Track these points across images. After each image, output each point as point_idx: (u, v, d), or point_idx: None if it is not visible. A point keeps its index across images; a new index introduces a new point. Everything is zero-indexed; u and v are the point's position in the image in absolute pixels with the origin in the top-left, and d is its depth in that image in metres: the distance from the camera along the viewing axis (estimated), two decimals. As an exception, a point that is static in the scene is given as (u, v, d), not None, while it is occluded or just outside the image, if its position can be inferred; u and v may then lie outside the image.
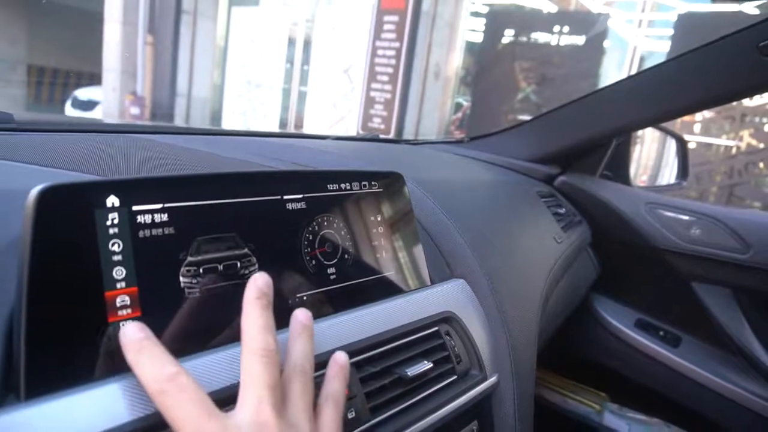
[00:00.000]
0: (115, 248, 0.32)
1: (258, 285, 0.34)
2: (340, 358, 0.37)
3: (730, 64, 0.90)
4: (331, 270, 0.44)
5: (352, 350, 0.42)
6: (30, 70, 6.76)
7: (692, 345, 1.17)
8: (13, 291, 0.30)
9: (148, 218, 0.34)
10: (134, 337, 0.29)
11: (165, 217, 0.35)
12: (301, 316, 0.36)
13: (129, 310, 0.32)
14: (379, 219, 0.49)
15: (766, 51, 0.82)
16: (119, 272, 0.32)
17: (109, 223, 0.32)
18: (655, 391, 1.19)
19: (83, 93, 6.50)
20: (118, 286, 0.32)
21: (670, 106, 1.02)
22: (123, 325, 0.31)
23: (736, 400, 1.08)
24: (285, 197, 0.42)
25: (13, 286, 0.30)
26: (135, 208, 0.33)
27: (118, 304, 0.32)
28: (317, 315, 0.42)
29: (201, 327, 0.35)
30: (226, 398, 0.32)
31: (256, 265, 0.39)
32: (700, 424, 1.15)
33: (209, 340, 0.35)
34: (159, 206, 0.35)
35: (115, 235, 0.32)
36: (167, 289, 0.34)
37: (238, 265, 0.38)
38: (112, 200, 0.33)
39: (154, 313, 0.33)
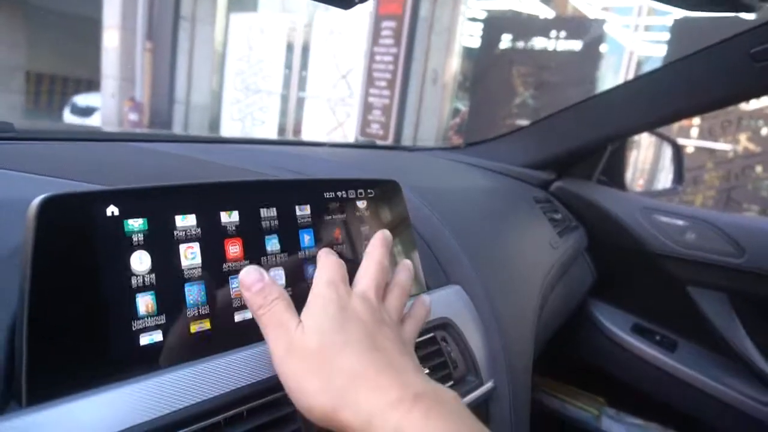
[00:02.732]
0: (127, 257, 0.33)
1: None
2: (408, 263, 0.45)
3: (723, 70, 0.91)
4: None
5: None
6: (28, 77, 6.77)
7: (689, 349, 1.18)
8: (14, 299, 0.31)
9: (152, 227, 0.35)
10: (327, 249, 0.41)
11: (167, 225, 0.35)
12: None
13: (147, 320, 0.33)
14: (375, 226, 0.49)
15: (758, 57, 0.83)
16: (134, 280, 0.33)
17: (117, 231, 0.33)
18: (652, 395, 1.19)
19: (82, 99, 6.51)
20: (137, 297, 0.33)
21: (665, 112, 1.03)
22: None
23: (733, 404, 1.08)
24: (282, 206, 0.42)
25: (14, 295, 0.31)
26: (138, 216, 0.34)
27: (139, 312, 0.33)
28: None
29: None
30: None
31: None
32: (697, 429, 1.15)
33: (220, 345, 0.36)
34: (161, 215, 0.35)
35: (124, 244, 0.33)
36: (177, 295, 0.35)
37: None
38: (113, 209, 0.33)
39: (170, 319, 0.34)
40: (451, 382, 0.51)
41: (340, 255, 0.46)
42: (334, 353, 0.32)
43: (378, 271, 0.40)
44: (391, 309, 0.39)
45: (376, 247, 0.42)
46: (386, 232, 0.44)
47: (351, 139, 5.47)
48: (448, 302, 0.56)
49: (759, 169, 4.58)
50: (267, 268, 0.40)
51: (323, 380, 0.31)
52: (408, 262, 0.45)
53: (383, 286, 0.40)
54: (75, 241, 0.31)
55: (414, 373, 0.33)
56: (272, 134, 6.38)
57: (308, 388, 0.32)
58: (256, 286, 0.35)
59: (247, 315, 0.38)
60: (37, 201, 0.30)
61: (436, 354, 0.50)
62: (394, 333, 0.36)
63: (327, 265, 0.38)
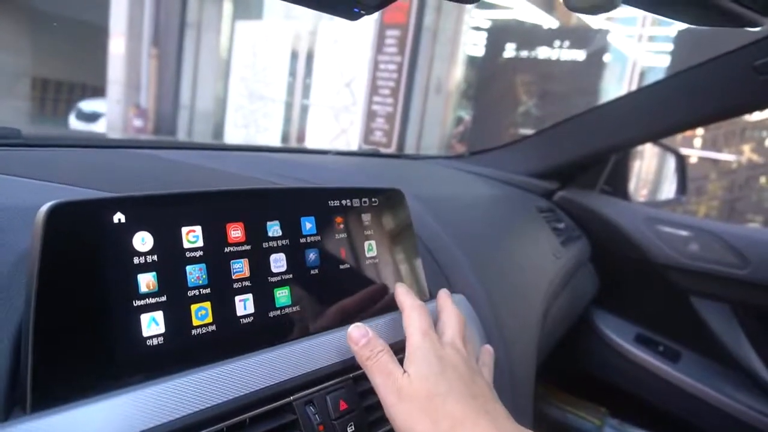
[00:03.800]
0: (133, 261, 0.34)
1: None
2: (490, 348, 0.51)
3: (726, 83, 0.91)
4: (332, 284, 0.45)
5: (351, 364, 0.42)
6: (34, 83, 6.81)
7: (692, 360, 1.17)
8: (21, 306, 0.31)
9: (159, 239, 0.35)
10: (403, 285, 0.47)
11: (174, 237, 0.36)
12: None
13: (155, 323, 0.34)
14: (379, 235, 0.50)
15: (762, 70, 0.84)
16: (142, 285, 0.34)
17: (123, 239, 0.33)
18: (655, 405, 1.19)
19: (87, 105, 6.54)
20: (145, 300, 0.34)
21: (668, 123, 1.03)
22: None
23: (736, 415, 1.08)
24: (287, 215, 0.43)
25: (21, 301, 0.31)
26: (144, 225, 0.34)
27: (143, 312, 0.33)
28: (319, 329, 0.43)
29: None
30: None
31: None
32: (700, 440, 1.14)
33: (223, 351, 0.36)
34: (167, 224, 0.35)
35: (130, 252, 0.33)
36: (184, 309, 0.35)
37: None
38: (119, 216, 0.33)
39: (174, 322, 0.35)
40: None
41: (342, 264, 0.46)
42: (440, 400, 0.37)
43: (459, 322, 0.45)
44: (472, 355, 0.45)
45: (446, 300, 0.47)
46: (445, 291, 0.49)
47: (354, 147, 5.48)
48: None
49: (763, 179, 4.57)
50: (269, 254, 0.41)
51: (432, 423, 0.36)
52: (487, 347, 0.50)
53: (463, 330, 0.45)
54: (82, 248, 0.32)
55: (505, 418, 0.38)
56: (276, 141, 6.40)
57: (418, 429, 0.36)
58: (363, 341, 0.40)
59: (249, 306, 0.39)
60: (45, 208, 0.30)
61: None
62: (483, 380, 0.41)
63: (416, 314, 0.43)
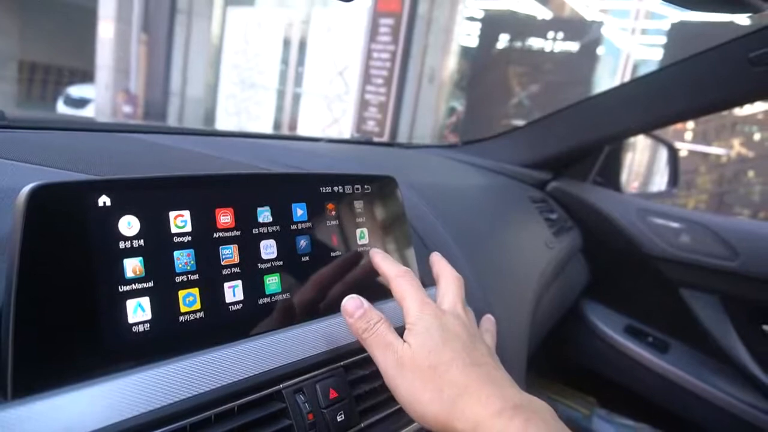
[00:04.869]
0: (119, 246, 0.33)
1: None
2: (491, 317, 0.50)
3: (721, 74, 0.91)
4: (323, 273, 0.44)
5: (342, 353, 0.42)
6: (21, 67, 6.70)
7: (681, 351, 1.18)
8: (1, 289, 0.30)
9: (145, 223, 0.34)
10: (379, 251, 0.45)
11: (161, 221, 0.35)
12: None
13: (141, 309, 0.33)
14: (371, 222, 0.49)
15: (756, 61, 0.83)
16: (128, 270, 0.33)
17: (108, 222, 0.32)
18: (644, 396, 1.20)
19: (76, 90, 6.46)
20: (131, 285, 0.33)
21: (662, 115, 1.03)
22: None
23: (723, 406, 1.09)
24: (278, 201, 0.42)
25: (1, 285, 0.30)
26: (130, 207, 0.33)
27: (129, 298, 0.33)
28: (310, 317, 0.42)
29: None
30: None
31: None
32: (687, 430, 1.16)
33: (210, 338, 0.35)
34: (153, 208, 0.35)
35: (115, 235, 0.33)
36: (170, 293, 0.35)
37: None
38: (104, 199, 0.32)
39: (161, 308, 0.34)
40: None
41: (334, 251, 0.45)
42: (443, 369, 0.36)
43: (458, 286, 0.44)
44: (473, 321, 0.44)
45: (443, 264, 0.46)
46: (438, 254, 0.48)
47: (347, 136, 5.46)
48: (442, 300, 0.55)
49: (751, 173, 4.61)
50: (259, 240, 0.40)
51: (435, 392, 0.36)
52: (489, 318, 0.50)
53: (463, 297, 0.44)
54: (65, 231, 0.31)
55: (510, 386, 0.37)
56: (267, 129, 6.35)
57: (422, 399, 0.36)
58: (358, 312, 0.39)
59: (238, 293, 0.38)
60: (26, 189, 0.29)
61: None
62: (485, 346, 0.41)
63: (406, 283, 0.41)
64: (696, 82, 0.95)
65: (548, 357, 1.22)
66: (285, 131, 6.26)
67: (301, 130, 6.08)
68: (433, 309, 0.40)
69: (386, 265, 0.43)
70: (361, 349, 0.43)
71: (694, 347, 1.17)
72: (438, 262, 0.47)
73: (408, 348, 0.38)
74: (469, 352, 0.38)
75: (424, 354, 0.37)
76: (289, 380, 0.38)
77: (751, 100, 0.99)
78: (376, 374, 0.43)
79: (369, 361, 0.44)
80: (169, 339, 0.34)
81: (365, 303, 0.40)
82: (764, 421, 1.04)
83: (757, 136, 4.64)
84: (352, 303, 0.40)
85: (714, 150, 4.68)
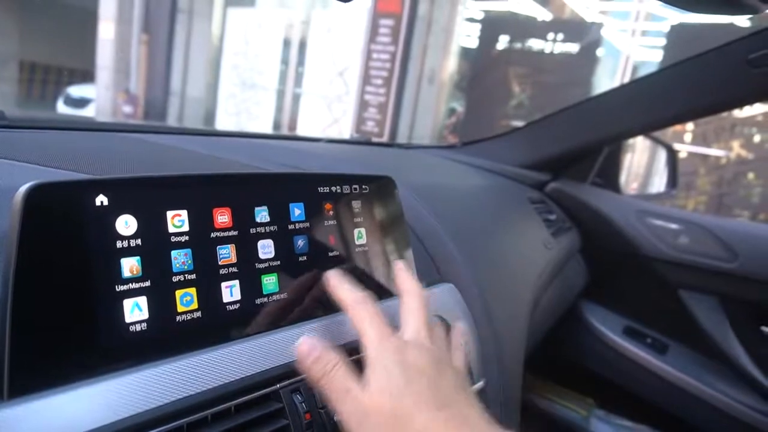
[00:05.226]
0: (116, 245, 0.33)
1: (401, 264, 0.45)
2: (463, 325, 0.48)
3: (720, 76, 0.91)
4: (320, 272, 0.44)
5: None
6: (22, 67, 6.70)
7: (679, 352, 1.18)
8: (-1, 289, 0.30)
9: (142, 222, 0.34)
10: (335, 274, 0.41)
11: (158, 221, 0.35)
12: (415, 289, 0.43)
13: (138, 309, 0.33)
14: (369, 222, 0.49)
15: (755, 63, 0.84)
16: (125, 269, 0.33)
17: (105, 222, 0.32)
18: (642, 397, 1.20)
19: (76, 90, 6.45)
20: (128, 285, 0.33)
21: (661, 116, 1.03)
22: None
23: (722, 407, 1.09)
24: (276, 201, 0.42)
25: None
26: (127, 207, 0.33)
27: (126, 297, 0.33)
28: (305, 317, 0.42)
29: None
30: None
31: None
32: (686, 431, 1.16)
33: (200, 339, 0.35)
34: (150, 207, 0.35)
35: (112, 235, 0.33)
36: (167, 293, 0.35)
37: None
38: (101, 199, 0.32)
39: (158, 308, 0.34)
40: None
41: (331, 252, 0.45)
42: (407, 418, 0.33)
43: (421, 306, 0.40)
44: (440, 342, 0.41)
45: (405, 278, 0.43)
46: (402, 263, 0.45)
47: (347, 136, 5.46)
48: (440, 300, 0.55)
49: (751, 175, 4.61)
50: (256, 240, 0.40)
51: None
52: (464, 327, 0.47)
53: (427, 317, 0.40)
54: (62, 231, 0.31)
55: (485, 424, 0.35)
56: (267, 130, 6.36)
57: None
58: (313, 355, 0.36)
59: (235, 293, 0.38)
60: (23, 189, 0.29)
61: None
62: (455, 375, 0.38)
63: (363, 312, 0.38)
64: (695, 83, 0.95)
65: (547, 358, 1.22)
66: (285, 131, 6.26)
67: (301, 131, 6.08)
68: (393, 343, 0.36)
69: (341, 291, 0.39)
70: (358, 349, 0.43)
71: (692, 348, 1.17)
72: (400, 275, 0.43)
73: (368, 393, 0.34)
74: (436, 392, 0.35)
75: (385, 399, 0.34)
76: (286, 380, 0.38)
77: (750, 101, 0.99)
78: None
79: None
80: (167, 338, 0.34)
81: (319, 345, 0.36)
82: (762, 422, 1.04)
83: (756, 138, 4.64)
84: (306, 346, 0.36)
85: (713, 152, 4.68)
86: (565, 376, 1.33)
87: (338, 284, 0.40)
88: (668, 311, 1.19)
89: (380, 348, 0.36)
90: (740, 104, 1.02)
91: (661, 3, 0.34)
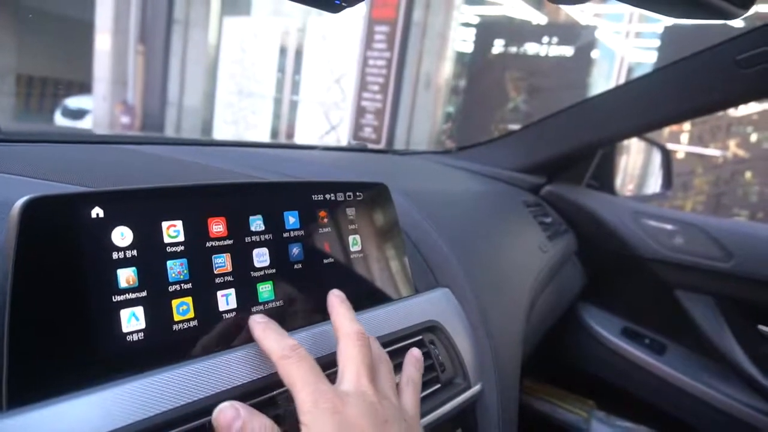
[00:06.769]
0: (112, 256, 0.33)
1: (336, 292, 0.42)
2: (416, 352, 0.45)
3: (710, 77, 0.92)
4: (316, 279, 0.45)
5: (335, 359, 0.42)
6: (19, 80, 6.71)
7: (677, 352, 1.18)
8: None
9: (138, 233, 0.34)
10: (261, 319, 0.37)
11: (154, 232, 0.35)
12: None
13: (135, 318, 0.33)
14: (364, 229, 0.50)
15: (744, 64, 0.85)
16: (122, 280, 0.33)
17: (101, 234, 0.33)
18: (642, 398, 1.20)
19: (73, 102, 6.47)
20: (125, 295, 0.33)
21: (654, 117, 1.04)
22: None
23: (720, 407, 1.09)
24: (270, 209, 0.42)
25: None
26: (123, 219, 0.34)
27: (123, 308, 0.33)
28: (303, 324, 0.43)
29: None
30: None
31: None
32: (685, 431, 1.16)
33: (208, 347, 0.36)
34: (146, 219, 0.35)
35: (109, 247, 0.33)
36: (164, 304, 0.35)
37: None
38: (97, 211, 0.33)
39: (155, 317, 0.34)
40: (438, 385, 0.51)
41: (327, 258, 0.46)
42: None
43: (360, 350, 0.36)
44: (386, 387, 0.37)
45: (340, 315, 0.39)
46: (339, 296, 0.41)
47: (344, 143, 5.47)
48: (436, 305, 0.56)
49: (748, 174, 4.62)
50: (251, 249, 0.40)
51: None
52: (418, 354, 0.45)
53: (369, 357, 0.37)
54: (59, 243, 0.31)
55: None
56: (265, 138, 6.36)
57: None
58: (236, 426, 0.31)
59: (231, 301, 0.38)
60: (20, 202, 0.30)
61: (424, 357, 0.50)
62: (399, 423, 0.35)
63: (300, 371, 0.33)
64: (686, 84, 0.96)
65: (545, 361, 1.22)
66: (282, 139, 6.27)
67: (299, 138, 6.09)
68: (329, 400, 0.32)
69: (268, 341, 0.36)
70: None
71: (690, 348, 1.18)
72: (334, 313, 0.40)
73: None
74: None
75: None
76: (283, 387, 0.38)
77: (740, 101, 1.00)
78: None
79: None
80: (164, 347, 0.35)
81: (242, 411, 0.32)
82: (761, 421, 1.04)
83: (753, 138, 4.65)
84: (226, 416, 0.31)
85: (710, 152, 4.69)
86: (564, 379, 1.33)
87: (263, 332, 0.36)
88: (665, 312, 1.19)
89: (315, 411, 0.32)
90: (731, 105, 1.02)
91: (642, 9, 0.35)
